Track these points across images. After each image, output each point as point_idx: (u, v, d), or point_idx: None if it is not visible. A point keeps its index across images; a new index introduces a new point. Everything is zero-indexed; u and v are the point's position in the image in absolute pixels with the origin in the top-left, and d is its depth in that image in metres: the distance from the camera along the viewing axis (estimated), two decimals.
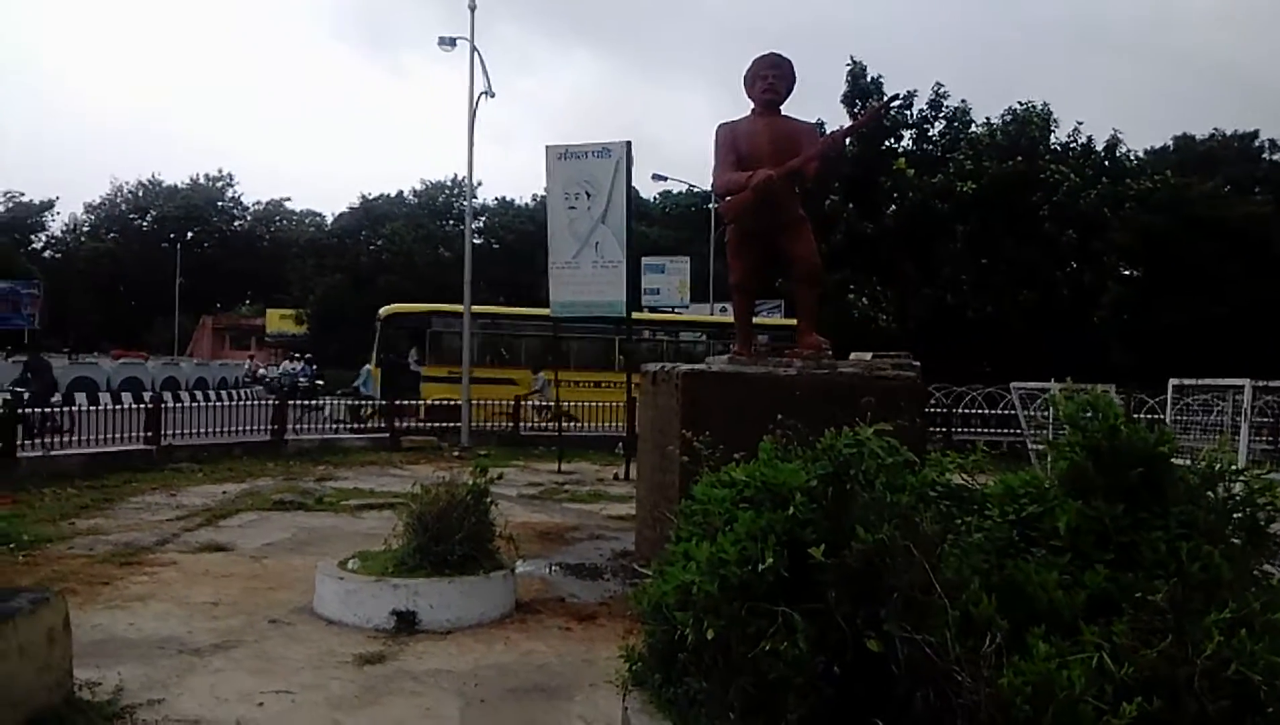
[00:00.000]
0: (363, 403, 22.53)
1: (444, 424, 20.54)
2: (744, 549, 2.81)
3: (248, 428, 17.97)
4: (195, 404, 19.42)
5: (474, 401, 20.55)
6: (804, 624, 2.68)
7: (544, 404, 21.74)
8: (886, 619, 2.61)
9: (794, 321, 9.72)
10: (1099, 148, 34.28)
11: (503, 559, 7.05)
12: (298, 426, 19.47)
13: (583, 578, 8.43)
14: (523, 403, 21.72)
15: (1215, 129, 53.06)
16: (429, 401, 21.51)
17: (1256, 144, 51.84)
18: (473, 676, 5.61)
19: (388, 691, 5.35)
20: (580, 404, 21.84)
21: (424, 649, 6.09)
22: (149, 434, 15.45)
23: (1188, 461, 3.01)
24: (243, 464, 15.79)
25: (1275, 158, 51.03)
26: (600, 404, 21.82)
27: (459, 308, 22.08)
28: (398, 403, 20.53)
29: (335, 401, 22.04)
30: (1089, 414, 2.95)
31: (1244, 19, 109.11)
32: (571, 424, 20.43)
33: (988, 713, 2.35)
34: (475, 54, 21.03)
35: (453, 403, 20.85)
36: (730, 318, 10.49)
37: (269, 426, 18.02)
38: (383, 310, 25.71)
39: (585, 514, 11.99)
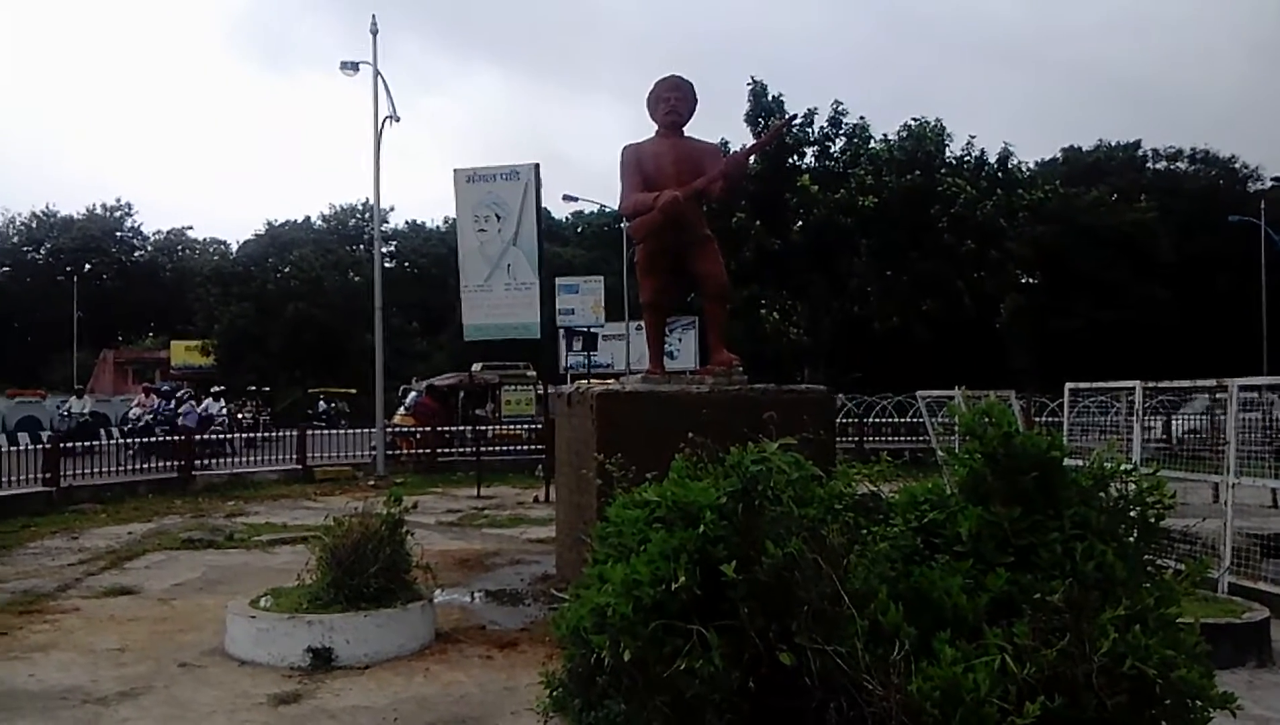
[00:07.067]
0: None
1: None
2: (657, 569, 2.82)
3: (154, 465, 17.50)
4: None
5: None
6: (718, 641, 2.70)
7: None
8: (798, 632, 2.65)
9: None
10: (992, 160, 35.53)
11: (420, 589, 6.96)
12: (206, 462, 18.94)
13: (503, 604, 8.35)
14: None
15: (1101, 139, 55.43)
16: None
17: (1140, 153, 54.15)
18: (392, 711, 5.51)
19: None
20: None
21: (341, 685, 5.96)
22: (47, 475, 14.84)
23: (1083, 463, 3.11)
24: (149, 503, 15.30)
25: (1158, 166, 53.40)
26: None
27: None
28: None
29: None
30: (986, 422, 3.04)
31: (1127, 31, 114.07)
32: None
33: (898, 719, 2.41)
34: (379, 78, 20.88)
35: None
36: None
37: (176, 463, 17.53)
38: None
39: (505, 539, 11.88)
